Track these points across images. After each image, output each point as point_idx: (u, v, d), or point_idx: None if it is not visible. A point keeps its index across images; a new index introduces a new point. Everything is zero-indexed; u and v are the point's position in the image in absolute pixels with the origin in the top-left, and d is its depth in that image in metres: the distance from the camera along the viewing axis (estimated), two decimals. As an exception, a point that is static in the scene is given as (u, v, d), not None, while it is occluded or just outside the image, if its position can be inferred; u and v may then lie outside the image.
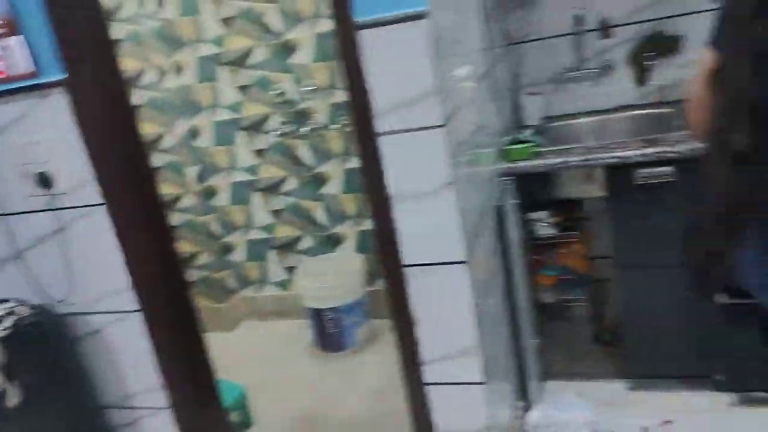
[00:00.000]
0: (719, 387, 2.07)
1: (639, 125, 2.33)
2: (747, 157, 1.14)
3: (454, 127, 1.35)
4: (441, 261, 1.33)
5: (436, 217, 1.30)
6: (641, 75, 2.35)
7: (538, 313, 2.34)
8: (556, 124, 2.42)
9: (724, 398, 2.09)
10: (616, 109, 2.40)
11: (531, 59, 2.44)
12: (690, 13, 2.21)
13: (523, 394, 2.02)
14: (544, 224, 2.29)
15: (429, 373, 1.44)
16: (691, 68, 2.22)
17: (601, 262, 2.30)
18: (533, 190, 2.23)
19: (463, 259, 1.32)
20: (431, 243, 1.32)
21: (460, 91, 1.43)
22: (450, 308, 1.36)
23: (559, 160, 1.98)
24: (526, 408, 2.02)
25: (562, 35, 2.38)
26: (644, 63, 2.33)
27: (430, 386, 1.45)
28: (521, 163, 2.02)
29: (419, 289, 1.36)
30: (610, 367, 2.30)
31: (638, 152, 1.90)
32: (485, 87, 1.81)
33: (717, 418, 2.03)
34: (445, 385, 1.43)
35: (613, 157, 1.92)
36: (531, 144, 2.04)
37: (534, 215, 2.27)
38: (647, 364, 2.17)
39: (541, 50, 2.42)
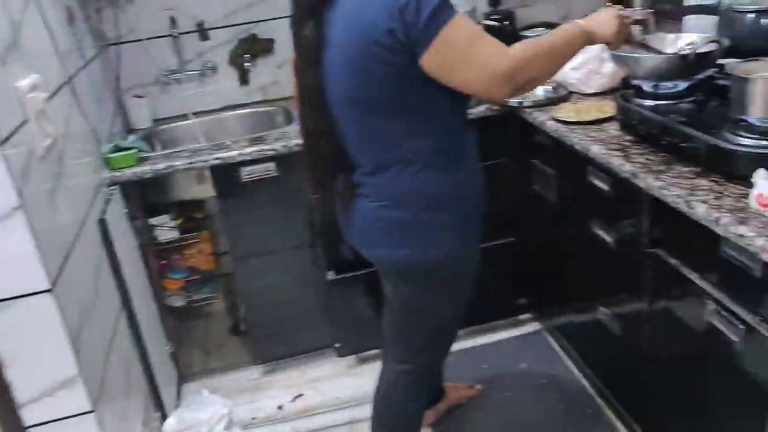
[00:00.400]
0: (340, 353, 2.33)
1: (246, 124, 2.46)
2: (322, 134, 1.36)
3: (19, 144, 1.23)
4: (20, 294, 1.21)
5: (7, 247, 1.17)
6: (243, 75, 2.47)
7: (170, 317, 2.32)
8: (165, 126, 2.40)
9: (345, 362, 2.36)
10: (224, 109, 2.48)
11: (132, 61, 2.36)
12: (280, 18, 2.39)
13: (158, 403, 1.98)
14: (166, 228, 2.26)
15: (29, 415, 1.30)
16: (284, 68, 2.43)
17: (228, 256, 2.37)
18: (150, 195, 2.18)
19: (47, 287, 1.22)
20: (6, 275, 1.19)
21: (25, 103, 1.30)
22: (41, 342, 1.25)
23: (164, 165, 1.97)
24: (164, 417, 1.99)
25: (161, 36, 2.36)
26: (244, 64, 2.45)
27: (33, 429, 1.31)
28: (127, 171, 1.95)
29: (2, 327, 1.22)
30: (245, 356, 2.41)
31: (240, 152, 2.00)
32: (69, 93, 1.68)
33: (341, 380, 2.29)
34: (49, 424, 1.31)
35: (216, 158, 1.99)
36: (134, 150, 1.98)
37: (154, 220, 2.23)
38: (277, 345, 2.33)
39: (141, 51, 2.36)
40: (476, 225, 1.45)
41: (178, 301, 2.36)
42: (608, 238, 1.68)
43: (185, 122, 2.42)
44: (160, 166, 1.96)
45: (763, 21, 1.63)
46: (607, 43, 1.42)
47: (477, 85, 1.22)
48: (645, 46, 1.64)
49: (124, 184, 1.96)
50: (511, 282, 2.33)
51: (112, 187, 1.91)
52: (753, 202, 1.19)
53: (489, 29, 2.12)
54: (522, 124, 2.03)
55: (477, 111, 2.03)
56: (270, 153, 2.00)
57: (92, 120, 1.87)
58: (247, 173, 2.03)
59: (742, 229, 1.14)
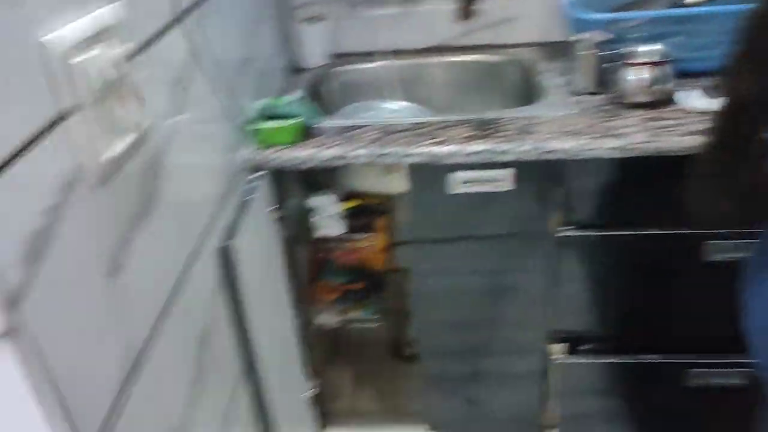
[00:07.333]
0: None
1: (460, 77, 1.64)
2: None
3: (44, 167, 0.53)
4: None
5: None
6: (467, 5, 1.62)
7: (318, 347, 1.67)
8: (343, 68, 1.64)
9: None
10: (429, 51, 1.67)
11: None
12: None
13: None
14: (330, 219, 1.55)
15: None
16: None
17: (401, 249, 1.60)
18: (306, 180, 1.46)
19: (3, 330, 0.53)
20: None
21: (72, 73, 0.59)
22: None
23: (336, 152, 1.22)
24: None
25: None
26: (469, -12, 1.59)
27: None
28: (276, 153, 1.23)
29: None
30: (410, 403, 1.71)
31: (459, 148, 1.20)
32: (184, 34, 0.96)
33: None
34: None
35: (420, 155, 1.20)
36: (296, 120, 1.25)
37: (315, 201, 1.51)
38: (459, 396, 1.61)
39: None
40: None
41: (330, 319, 1.69)
42: None
43: (371, 65, 1.65)
44: (331, 153, 1.22)
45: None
46: None
47: None
48: None
49: (271, 171, 1.25)
50: None
51: (252, 177, 1.21)
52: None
53: None
54: None
55: None
56: (507, 157, 1.19)
57: (229, 73, 1.14)
58: (463, 182, 1.24)
59: None
